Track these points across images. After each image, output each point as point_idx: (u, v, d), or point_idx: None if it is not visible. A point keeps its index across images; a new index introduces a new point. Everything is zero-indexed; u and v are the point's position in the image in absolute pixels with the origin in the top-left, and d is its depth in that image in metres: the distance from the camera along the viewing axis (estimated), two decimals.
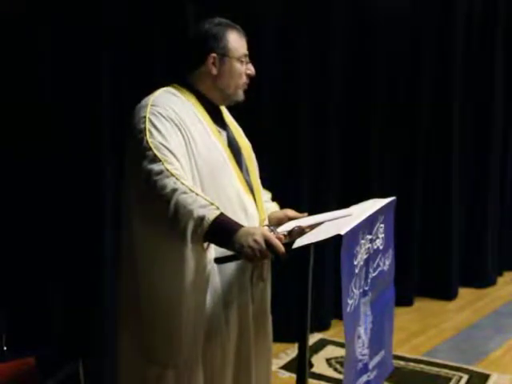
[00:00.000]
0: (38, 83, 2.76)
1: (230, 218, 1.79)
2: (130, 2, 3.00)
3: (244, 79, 2.04)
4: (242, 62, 2.02)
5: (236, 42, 2.01)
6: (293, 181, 3.92)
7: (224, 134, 2.07)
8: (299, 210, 2.18)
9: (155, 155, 1.81)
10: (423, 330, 4.23)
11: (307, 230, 1.92)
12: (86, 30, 2.83)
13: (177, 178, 1.78)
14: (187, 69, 2.03)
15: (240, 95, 2.06)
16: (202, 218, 1.74)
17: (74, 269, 2.88)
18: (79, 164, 2.87)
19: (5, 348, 2.45)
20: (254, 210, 2.04)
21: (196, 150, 1.91)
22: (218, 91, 2.03)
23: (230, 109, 2.18)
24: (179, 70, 2.08)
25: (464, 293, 5.05)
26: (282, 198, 2.35)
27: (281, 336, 3.02)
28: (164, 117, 1.88)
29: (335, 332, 4.10)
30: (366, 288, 1.92)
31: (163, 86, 2.02)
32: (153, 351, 1.93)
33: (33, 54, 2.73)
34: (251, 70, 2.06)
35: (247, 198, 2.02)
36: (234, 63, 2.01)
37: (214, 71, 2.00)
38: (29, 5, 2.70)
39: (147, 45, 3.06)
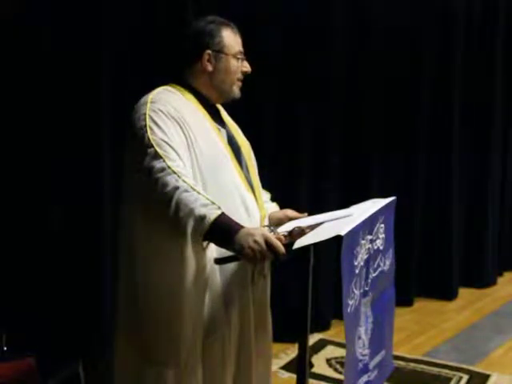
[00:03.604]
0: (37, 82, 2.76)
1: (230, 219, 1.79)
2: (130, 2, 3.00)
3: (239, 76, 2.06)
4: (237, 58, 2.04)
5: (230, 39, 2.03)
6: (293, 181, 3.92)
7: (223, 131, 2.07)
8: (299, 210, 2.18)
9: (156, 152, 1.81)
10: (423, 330, 4.23)
11: (307, 230, 1.91)
12: (85, 30, 2.83)
13: (178, 176, 1.78)
14: (184, 67, 2.05)
15: (235, 92, 2.07)
16: (202, 217, 1.74)
17: (73, 269, 2.88)
18: (79, 164, 2.86)
19: (5, 348, 2.45)
20: (254, 206, 2.04)
21: (197, 147, 1.91)
22: (214, 88, 2.04)
23: (229, 108, 2.18)
24: (177, 69, 2.08)
25: (464, 293, 5.06)
26: (282, 198, 2.34)
27: (281, 336, 3.02)
28: (164, 113, 1.88)
29: (335, 332, 4.10)
30: (367, 288, 1.92)
31: (161, 86, 2.02)
32: (153, 351, 1.93)
33: (33, 53, 2.73)
34: (247, 67, 2.07)
35: (248, 194, 2.02)
36: (229, 59, 2.02)
37: (210, 68, 2.01)
38: (29, 4, 2.70)
39: (147, 44, 3.05)
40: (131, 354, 1.97)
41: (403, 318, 4.35)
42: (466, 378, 3.46)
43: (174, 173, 1.79)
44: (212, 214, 1.74)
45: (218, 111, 2.11)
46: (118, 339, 2.03)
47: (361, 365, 1.92)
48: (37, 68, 2.75)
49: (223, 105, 2.17)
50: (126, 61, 2.98)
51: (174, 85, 2.03)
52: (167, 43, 3.07)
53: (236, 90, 2.07)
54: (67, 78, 2.82)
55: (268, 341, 2.20)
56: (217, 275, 1.95)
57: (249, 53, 2.10)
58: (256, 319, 2.08)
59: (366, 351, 1.95)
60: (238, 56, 2.04)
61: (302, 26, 3.88)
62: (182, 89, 2.02)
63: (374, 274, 1.97)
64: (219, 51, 2.01)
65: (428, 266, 4.92)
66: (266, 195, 2.24)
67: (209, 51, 2.00)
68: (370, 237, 1.91)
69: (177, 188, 1.77)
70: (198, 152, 1.91)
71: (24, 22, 2.70)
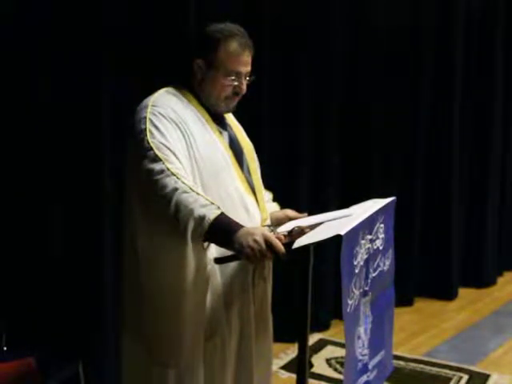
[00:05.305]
0: (37, 83, 2.76)
1: (230, 218, 1.79)
2: (130, 1, 3.00)
3: (227, 94, 1.98)
4: (228, 77, 1.95)
5: (229, 55, 1.95)
6: (293, 181, 3.92)
7: (225, 134, 2.07)
8: (299, 210, 2.18)
9: (156, 155, 1.82)
10: (423, 330, 4.22)
11: (307, 230, 1.92)
12: (86, 29, 2.82)
13: (178, 178, 1.79)
14: (183, 69, 2.03)
15: (222, 107, 2.01)
16: (202, 218, 1.74)
17: (74, 269, 2.88)
18: (79, 164, 2.87)
19: (5, 348, 2.45)
20: (255, 209, 2.04)
21: (197, 150, 1.91)
22: (204, 96, 2.00)
23: None
24: (179, 71, 2.08)
25: (464, 293, 5.05)
26: (282, 198, 2.35)
27: (281, 336, 3.02)
28: (164, 117, 1.88)
29: (335, 332, 4.10)
30: (366, 288, 1.92)
31: (163, 87, 2.02)
32: (154, 351, 1.94)
33: (33, 54, 2.73)
34: (241, 88, 1.99)
35: (249, 197, 2.03)
36: (217, 75, 1.95)
37: (199, 76, 1.98)
38: (29, 4, 2.70)
39: (148, 44, 3.05)
40: (137, 353, 1.98)
41: (403, 317, 4.35)
42: (465, 377, 3.47)
43: (173, 174, 1.79)
44: (211, 214, 1.75)
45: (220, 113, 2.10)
46: (124, 339, 2.05)
47: (360, 365, 1.93)
48: (36, 68, 2.75)
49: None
50: (126, 61, 2.98)
51: (176, 86, 2.03)
52: (169, 42, 3.07)
53: (223, 106, 2.00)
54: (67, 78, 2.81)
55: (268, 342, 2.20)
56: (217, 276, 1.95)
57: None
58: (256, 321, 2.09)
59: (366, 351, 1.95)
60: (231, 76, 1.96)
61: (302, 26, 3.88)
62: (183, 90, 2.01)
63: (373, 274, 1.97)
64: (210, 64, 1.95)
65: (428, 266, 4.91)
66: (268, 195, 2.24)
67: (199, 60, 1.96)
68: (369, 237, 1.91)
69: (176, 189, 1.77)
70: (198, 155, 1.91)
71: (24, 22, 2.70)
